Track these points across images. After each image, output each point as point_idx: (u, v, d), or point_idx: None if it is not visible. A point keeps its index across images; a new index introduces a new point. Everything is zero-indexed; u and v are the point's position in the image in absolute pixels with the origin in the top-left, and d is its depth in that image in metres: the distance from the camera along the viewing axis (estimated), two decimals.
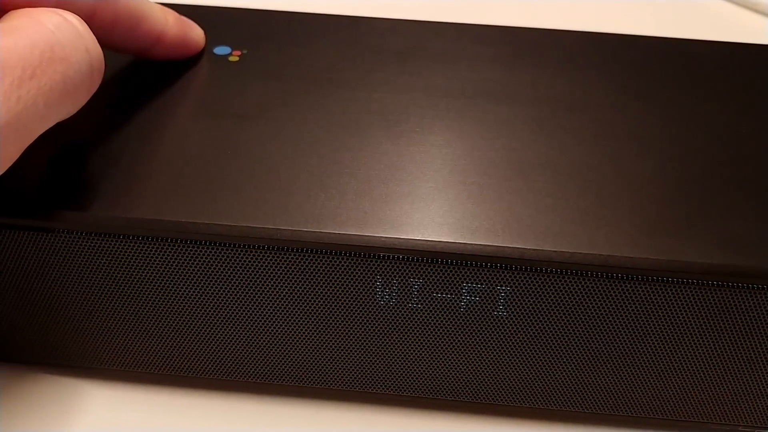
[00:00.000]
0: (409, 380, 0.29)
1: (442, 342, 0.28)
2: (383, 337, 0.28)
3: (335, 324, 0.27)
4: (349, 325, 0.27)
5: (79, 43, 0.25)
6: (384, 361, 0.28)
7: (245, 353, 0.29)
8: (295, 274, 0.26)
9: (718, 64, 0.35)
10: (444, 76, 0.33)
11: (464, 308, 0.26)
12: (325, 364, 0.29)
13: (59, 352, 0.29)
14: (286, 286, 0.26)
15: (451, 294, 0.26)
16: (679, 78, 0.34)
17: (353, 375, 0.29)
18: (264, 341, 0.28)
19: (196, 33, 0.33)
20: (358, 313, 0.27)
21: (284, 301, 0.27)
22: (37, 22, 0.24)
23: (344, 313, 0.27)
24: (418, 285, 0.26)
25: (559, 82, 0.33)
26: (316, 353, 0.28)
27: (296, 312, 0.27)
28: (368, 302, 0.27)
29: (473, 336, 0.27)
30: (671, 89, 0.33)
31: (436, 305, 0.27)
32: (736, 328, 0.26)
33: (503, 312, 0.26)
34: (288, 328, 0.28)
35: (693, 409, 0.28)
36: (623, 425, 0.30)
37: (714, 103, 0.32)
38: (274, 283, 0.26)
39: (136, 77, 0.32)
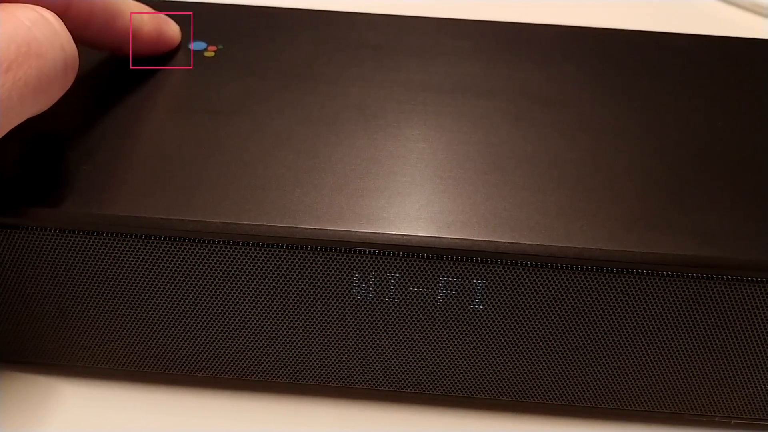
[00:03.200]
0: (388, 374, 0.29)
1: (420, 336, 0.28)
2: (360, 331, 0.28)
3: (312, 319, 0.27)
4: (326, 320, 0.27)
5: (55, 40, 0.25)
6: (362, 356, 0.28)
7: (222, 349, 0.29)
8: (271, 270, 0.26)
9: (696, 57, 0.35)
10: (421, 71, 0.33)
11: (441, 302, 0.26)
12: (302, 360, 0.29)
13: (33, 350, 0.29)
14: (263, 282, 0.26)
15: (428, 288, 0.26)
16: (656, 71, 0.34)
17: (331, 370, 0.29)
18: (241, 337, 0.28)
19: (171, 29, 0.33)
20: (335, 308, 0.27)
21: (261, 297, 0.27)
22: (13, 17, 0.24)
23: (321, 308, 0.27)
24: (394, 279, 0.26)
25: (537, 76, 0.33)
26: (293, 349, 0.28)
27: (273, 307, 0.27)
28: (345, 297, 0.27)
29: (450, 329, 0.27)
30: (649, 83, 0.33)
31: (412, 299, 0.27)
32: (712, 319, 0.26)
33: (480, 305, 0.26)
34: (265, 324, 0.28)
35: (670, 400, 0.29)
36: (600, 417, 0.30)
37: (691, 97, 0.32)
38: (251, 278, 0.26)
39: (112, 73, 0.32)
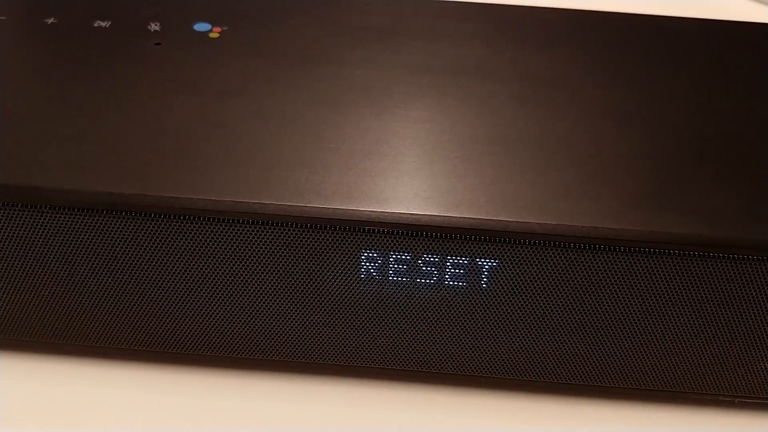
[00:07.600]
0: (395, 353, 0.29)
1: (427, 314, 0.28)
2: (368, 310, 0.28)
3: (320, 297, 0.27)
4: (334, 298, 0.27)
5: None
6: (369, 335, 0.28)
7: (230, 328, 0.29)
8: (280, 248, 0.26)
9: (696, 40, 0.35)
10: (426, 53, 0.33)
11: (449, 281, 0.27)
12: (310, 338, 0.29)
13: (41, 330, 0.29)
14: (271, 260, 0.27)
15: (436, 267, 0.26)
16: (658, 54, 0.34)
17: (339, 348, 0.29)
18: (249, 316, 0.28)
19: None
20: (344, 287, 0.27)
21: (269, 275, 0.27)
22: None
23: (329, 286, 0.27)
24: (402, 258, 0.26)
25: (540, 58, 0.33)
26: (301, 327, 0.28)
27: (281, 286, 0.27)
28: (353, 275, 0.27)
29: (458, 308, 0.27)
30: (651, 65, 0.33)
31: (420, 278, 0.27)
32: (717, 298, 0.26)
33: (487, 284, 0.27)
34: (273, 302, 0.28)
35: (674, 378, 0.29)
36: (605, 396, 0.30)
37: (694, 79, 0.33)
38: (260, 257, 0.26)
39: (117, 54, 0.32)
